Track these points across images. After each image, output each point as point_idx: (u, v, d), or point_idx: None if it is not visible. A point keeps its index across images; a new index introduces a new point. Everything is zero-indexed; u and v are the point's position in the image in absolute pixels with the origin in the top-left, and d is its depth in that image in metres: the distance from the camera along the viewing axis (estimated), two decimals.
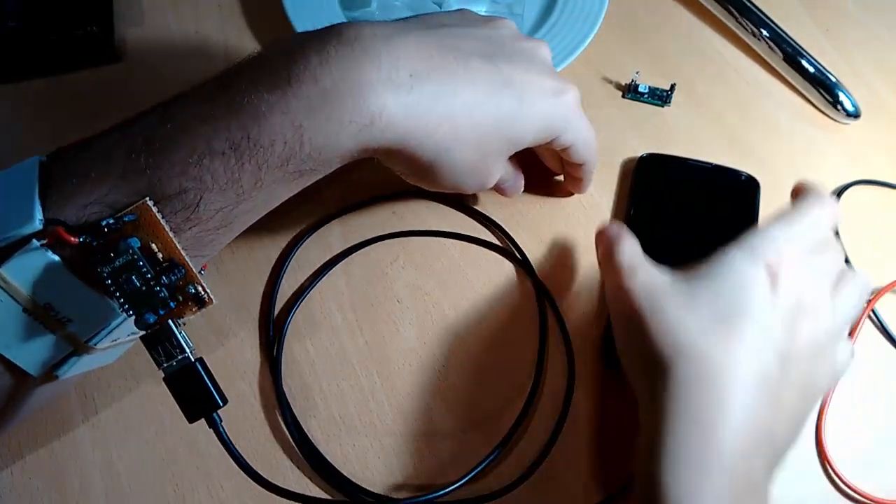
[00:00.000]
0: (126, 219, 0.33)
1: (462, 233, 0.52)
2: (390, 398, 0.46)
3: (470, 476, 0.43)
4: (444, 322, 0.49)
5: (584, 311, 0.49)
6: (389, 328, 0.48)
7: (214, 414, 0.35)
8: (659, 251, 0.50)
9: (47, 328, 0.34)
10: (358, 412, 0.45)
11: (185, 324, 0.36)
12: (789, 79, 0.60)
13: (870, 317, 0.49)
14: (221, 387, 0.36)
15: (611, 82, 0.60)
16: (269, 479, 0.38)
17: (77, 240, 0.33)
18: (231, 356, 0.47)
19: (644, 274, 0.40)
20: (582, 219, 0.53)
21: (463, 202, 0.54)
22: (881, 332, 0.48)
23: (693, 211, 0.52)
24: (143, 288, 0.33)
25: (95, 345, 0.36)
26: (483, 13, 0.48)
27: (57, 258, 0.33)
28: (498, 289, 0.50)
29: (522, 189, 0.51)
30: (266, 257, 0.51)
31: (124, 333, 0.38)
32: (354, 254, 0.51)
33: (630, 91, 0.59)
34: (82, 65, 0.60)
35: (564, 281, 0.50)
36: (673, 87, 0.58)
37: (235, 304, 0.49)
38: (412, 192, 0.53)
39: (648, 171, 0.54)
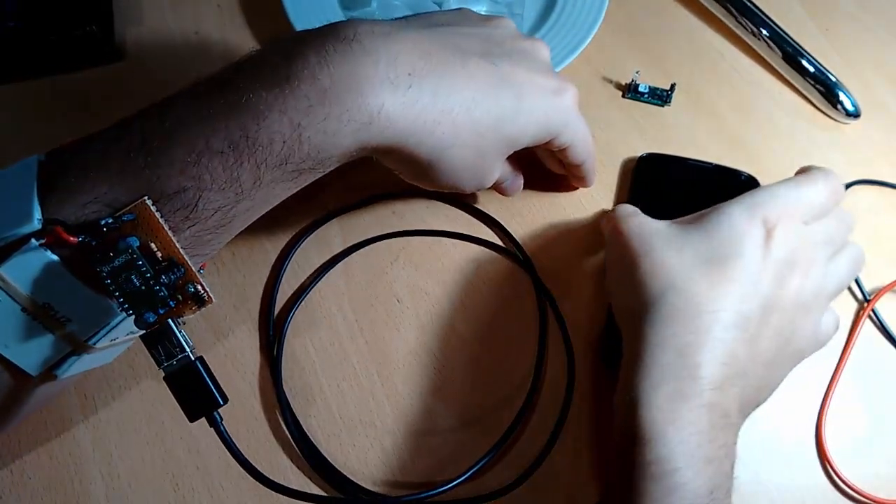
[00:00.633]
0: (125, 218, 0.33)
1: (462, 232, 0.52)
2: (390, 397, 0.46)
3: (469, 474, 0.43)
4: (444, 322, 0.49)
5: (584, 310, 0.49)
6: (389, 328, 0.48)
7: (215, 413, 0.35)
8: None
9: (46, 328, 0.34)
10: (358, 411, 0.45)
11: (184, 323, 0.36)
12: (789, 79, 0.60)
13: (870, 317, 0.49)
14: (222, 386, 0.36)
15: (611, 82, 0.60)
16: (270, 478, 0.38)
17: (76, 239, 0.33)
18: (231, 356, 0.47)
19: (640, 219, 0.44)
20: (582, 218, 0.53)
21: (463, 201, 0.54)
22: (881, 331, 0.48)
23: (693, 211, 0.51)
24: (143, 287, 0.33)
25: (95, 344, 0.36)
26: (483, 13, 0.48)
27: (56, 258, 0.33)
28: (498, 288, 0.50)
29: (522, 188, 0.51)
30: (266, 257, 0.51)
31: (123, 333, 0.38)
32: (354, 253, 0.51)
33: (630, 91, 0.59)
34: (82, 65, 0.60)
35: (564, 281, 0.50)
36: (673, 87, 0.58)
37: (235, 304, 0.49)
38: (412, 192, 0.53)
39: (648, 171, 0.54)
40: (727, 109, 0.59)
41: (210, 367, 0.36)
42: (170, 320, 0.35)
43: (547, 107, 0.43)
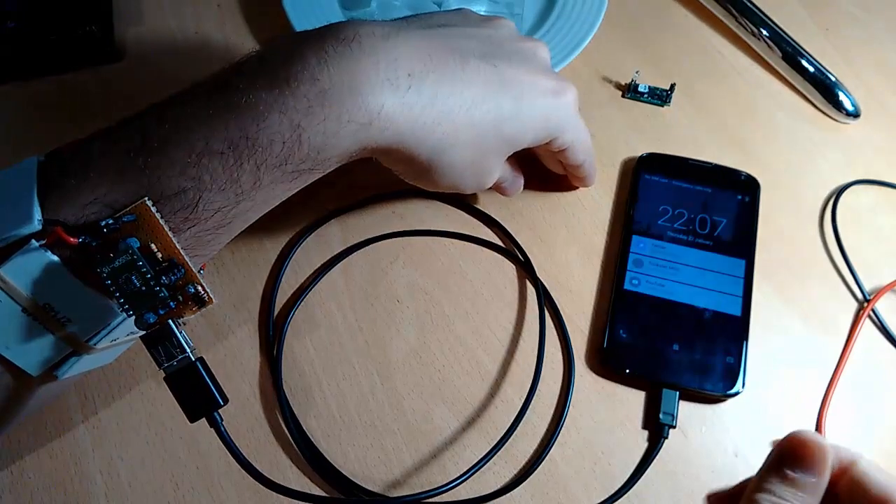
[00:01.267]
0: (125, 219, 0.33)
1: (462, 232, 0.52)
2: (390, 398, 0.46)
3: (469, 475, 0.43)
4: (443, 322, 0.49)
5: (584, 311, 0.49)
6: (389, 328, 0.48)
7: (215, 413, 0.35)
8: (659, 252, 0.50)
9: (47, 329, 0.34)
10: (358, 411, 0.45)
11: (185, 323, 0.36)
12: (789, 79, 0.60)
13: (870, 317, 0.49)
14: (222, 386, 0.36)
15: (611, 82, 0.60)
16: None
17: (76, 240, 0.33)
18: (231, 356, 0.47)
19: None
20: (582, 218, 0.53)
21: (463, 201, 0.54)
22: (881, 331, 0.48)
23: (693, 211, 0.52)
24: (143, 288, 0.33)
25: (95, 345, 0.36)
26: (482, 13, 0.48)
27: (56, 258, 0.33)
28: (498, 288, 0.50)
29: (522, 188, 0.51)
30: (266, 257, 0.51)
31: (124, 333, 0.38)
32: (354, 254, 0.51)
33: (630, 91, 0.59)
34: (82, 65, 0.60)
35: (564, 281, 0.50)
36: (673, 86, 0.58)
37: (235, 304, 0.49)
38: (412, 192, 0.53)
39: (648, 171, 0.54)
40: (727, 109, 0.59)
41: (210, 367, 0.36)
42: (170, 321, 0.34)
43: (547, 107, 0.43)
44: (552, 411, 0.45)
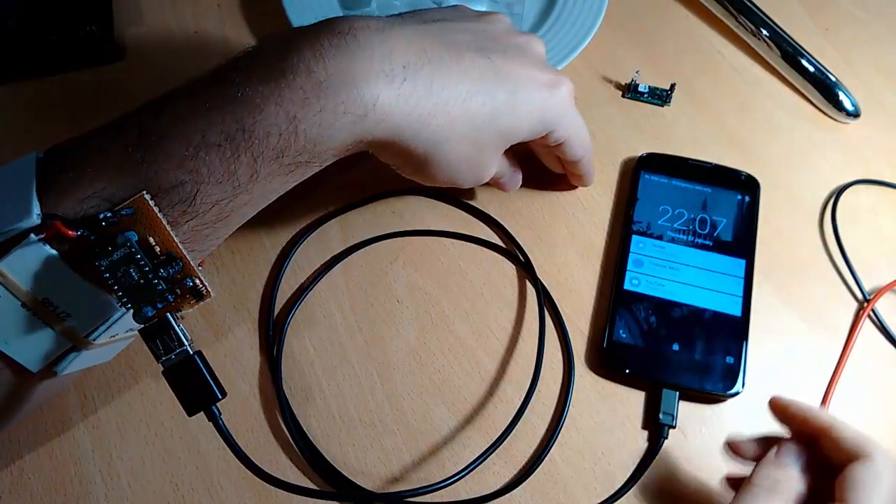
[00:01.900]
0: (123, 212, 0.33)
1: (462, 232, 0.52)
2: (390, 397, 0.46)
3: (467, 472, 0.43)
4: (443, 322, 0.49)
5: (584, 311, 0.49)
6: (389, 328, 0.48)
7: (214, 407, 0.35)
8: (659, 252, 0.50)
9: (46, 323, 0.34)
10: (357, 411, 0.45)
11: (183, 317, 0.36)
12: (789, 78, 0.60)
13: (870, 317, 0.48)
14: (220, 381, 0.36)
15: (611, 82, 0.60)
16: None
17: (75, 234, 0.33)
18: (231, 356, 0.47)
19: None
20: (582, 218, 0.53)
21: (460, 198, 0.54)
22: (881, 331, 0.48)
23: (693, 211, 0.51)
24: (142, 281, 0.33)
25: (94, 340, 0.36)
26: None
27: (55, 252, 0.33)
28: (498, 288, 0.50)
29: (520, 184, 0.51)
30: (266, 257, 0.51)
31: (123, 329, 0.38)
32: (354, 253, 0.51)
33: (630, 91, 0.59)
34: (82, 65, 0.60)
35: (564, 281, 0.50)
36: (673, 86, 0.58)
37: (235, 304, 0.49)
38: (412, 192, 0.53)
39: (648, 171, 0.54)
40: (727, 109, 0.59)
41: (209, 362, 0.36)
42: (168, 314, 0.34)
43: (542, 100, 0.43)
44: (552, 411, 0.45)
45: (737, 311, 0.48)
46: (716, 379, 0.45)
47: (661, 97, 0.58)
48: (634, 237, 0.50)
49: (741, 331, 0.47)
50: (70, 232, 0.32)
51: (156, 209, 0.34)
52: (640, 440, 0.44)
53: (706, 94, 0.59)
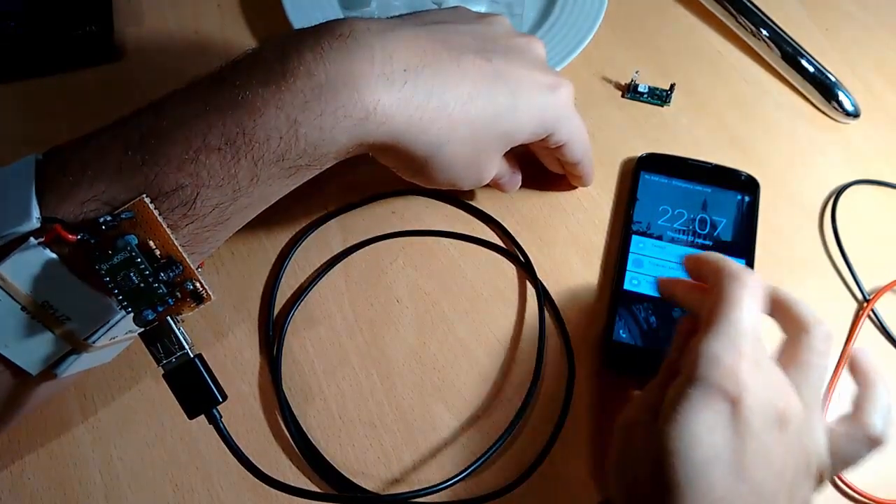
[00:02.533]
0: (123, 216, 0.33)
1: (462, 232, 0.52)
2: (389, 398, 0.46)
3: (467, 472, 0.43)
4: (443, 322, 0.49)
5: (584, 311, 0.49)
6: (389, 328, 0.48)
7: (214, 410, 0.35)
8: (659, 252, 0.50)
9: (46, 326, 0.34)
10: (357, 411, 0.45)
11: (183, 320, 0.36)
12: (789, 78, 0.60)
13: (870, 317, 0.48)
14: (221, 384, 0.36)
15: (611, 82, 0.60)
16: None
17: (75, 237, 0.33)
18: (231, 356, 0.47)
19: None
20: (582, 218, 0.53)
21: (460, 198, 0.54)
22: (881, 332, 0.48)
23: (693, 211, 0.51)
24: (142, 285, 0.33)
25: (94, 343, 0.36)
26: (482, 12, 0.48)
27: (55, 256, 0.33)
28: (498, 288, 0.50)
29: (520, 185, 0.51)
30: (265, 257, 0.51)
31: (122, 331, 0.38)
32: (354, 253, 0.51)
33: (630, 91, 0.59)
34: (82, 65, 0.60)
35: (564, 281, 0.50)
36: (673, 86, 0.58)
37: (235, 304, 0.49)
38: (412, 192, 0.53)
39: (648, 171, 0.54)
40: (727, 109, 0.59)
41: (209, 365, 0.36)
42: (169, 318, 0.34)
43: (542, 102, 0.43)
44: (552, 411, 0.45)
45: None
46: None
47: (660, 97, 0.58)
48: (634, 237, 0.50)
49: None
50: (70, 236, 0.32)
51: (156, 213, 0.34)
52: None
53: (706, 94, 0.59)
